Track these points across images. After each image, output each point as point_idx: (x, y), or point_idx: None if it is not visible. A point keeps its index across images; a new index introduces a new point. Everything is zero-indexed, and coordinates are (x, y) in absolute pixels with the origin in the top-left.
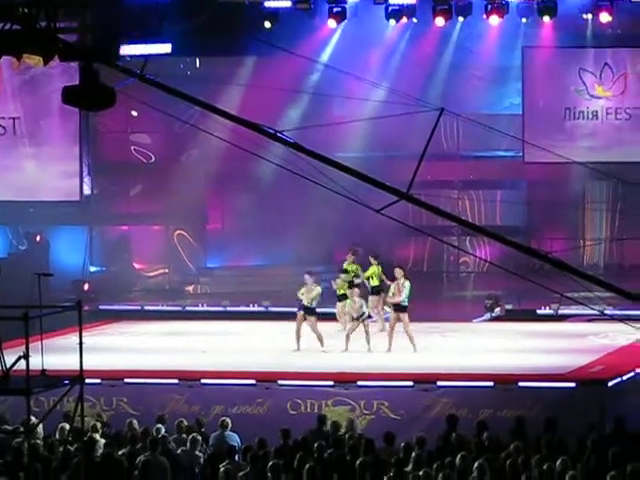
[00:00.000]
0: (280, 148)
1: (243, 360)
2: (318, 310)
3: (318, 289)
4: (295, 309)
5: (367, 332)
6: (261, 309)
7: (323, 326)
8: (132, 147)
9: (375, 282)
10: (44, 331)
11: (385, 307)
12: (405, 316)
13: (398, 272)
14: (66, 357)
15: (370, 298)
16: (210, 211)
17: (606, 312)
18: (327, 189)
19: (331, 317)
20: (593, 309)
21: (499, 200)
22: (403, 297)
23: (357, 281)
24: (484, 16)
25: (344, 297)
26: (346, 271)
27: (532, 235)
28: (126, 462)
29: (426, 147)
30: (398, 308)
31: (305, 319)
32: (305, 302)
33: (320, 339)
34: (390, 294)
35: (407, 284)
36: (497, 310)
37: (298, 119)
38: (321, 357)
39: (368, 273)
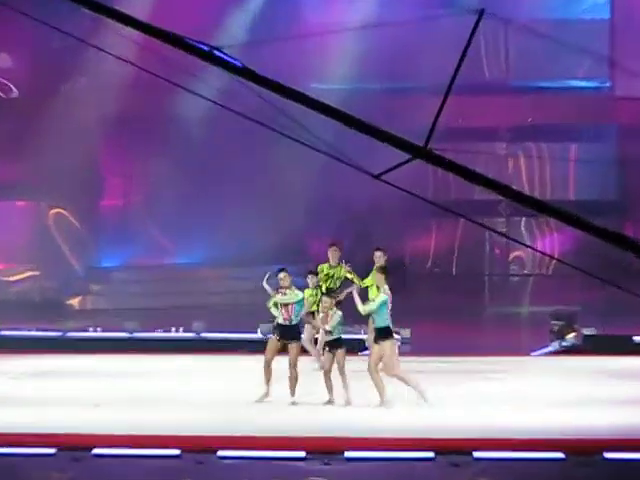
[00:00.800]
0: (219, 77)
1: (161, 418)
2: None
3: (338, 314)
4: (246, 334)
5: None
6: (189, 335)
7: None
8: None
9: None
10: None
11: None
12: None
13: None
14: None
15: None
16: (106, 179)
17: None
18: (296, 143)
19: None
20: None
21: (573, 158)
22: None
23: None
24: None
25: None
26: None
27: (627, 215)
28: None
29: (455, 73)
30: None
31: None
32: (325, 327)
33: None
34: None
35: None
36: (570, 337)
37: (247, 30)
38: (291, 412)
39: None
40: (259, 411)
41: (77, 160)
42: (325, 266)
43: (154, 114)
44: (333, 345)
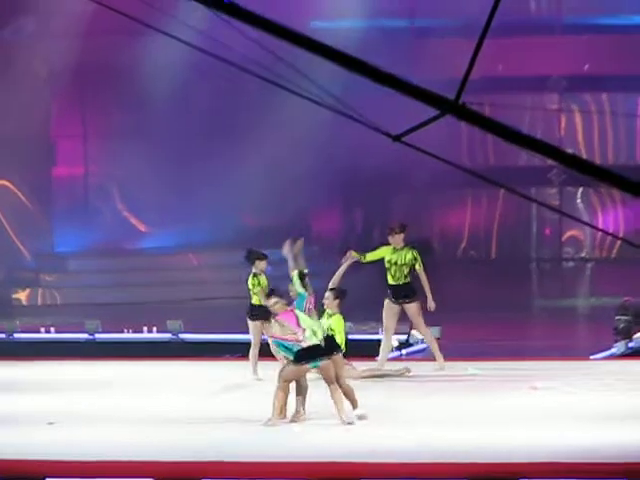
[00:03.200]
0: (202, 17)
1: (130, 438)
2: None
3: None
4: (234, 335)
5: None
6: (164, 337)
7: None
8: None
9: None
10: None
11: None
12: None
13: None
14: None
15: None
16: (58, 143)
17: None
18: (295, 98)
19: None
20: None
21: None
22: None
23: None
24: None
25: None
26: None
27: None
28: None
29: (494, 9)
30: None
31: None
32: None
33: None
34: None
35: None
36: (639, 336)
37: None
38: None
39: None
40: (247, 431)
41: (22, 121)
42: (386, 250)
43: (117, 63)
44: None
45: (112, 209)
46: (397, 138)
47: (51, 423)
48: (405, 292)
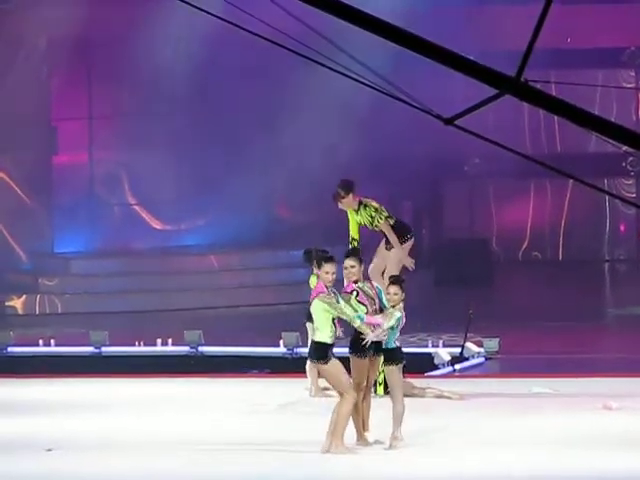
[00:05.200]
0: None
1: (137, 468)
2: None
3: (397, 313)
4: (263, 348)
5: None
6: (181, 350)
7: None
8: None
9: None
10: None
11: None
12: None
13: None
14: None
15: None
16: (62, 124)
17: None
18: (329, 76)
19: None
20: None
21: None
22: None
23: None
24: None
25: None
26: None
27: None
28: None
29: None
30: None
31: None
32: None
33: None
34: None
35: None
36: None
37: None
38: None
39: None
40: (284, 462)
41: (18, 102)
42: (351, 218)
43: (128, 36)
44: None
45: (121, 203)
46: (449, 121)
47: (50, 450)
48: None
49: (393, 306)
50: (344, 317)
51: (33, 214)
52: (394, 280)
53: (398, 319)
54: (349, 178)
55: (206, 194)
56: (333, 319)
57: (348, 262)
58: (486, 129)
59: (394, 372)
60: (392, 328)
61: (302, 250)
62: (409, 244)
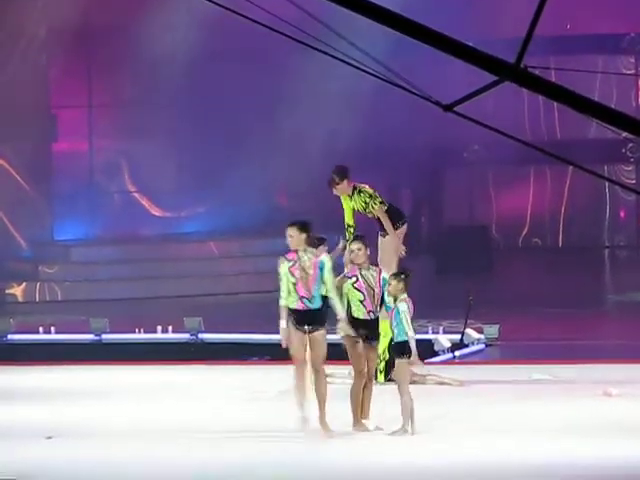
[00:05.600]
0: None
1: (138, 455)
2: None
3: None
4: (263, 335)
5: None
6: (181, 337)
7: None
8: None
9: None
10: None
11: None
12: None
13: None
14: None
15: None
16: (62, 111)
17: None
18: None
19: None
20: None
21: None
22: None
23: None
24: None
25: None
26: None
27: None
28: None
29: None
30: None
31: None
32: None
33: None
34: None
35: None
36: None
37: None
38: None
39: None
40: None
41: (17, 89)
42: (345, 204)
43: (128, 23)
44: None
45: (121, 190)
46: (449, 108)
47: (49, 438)
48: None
49: (395, 298)
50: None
51: (33, 202)
52: (395, 274)
53: (403, 312)
54: (344, 164)
55: (206, 182)
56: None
57: (354, 245)
58: (485, 115)
59: (403, 366)
60: (399, 322)
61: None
62: (402, 230)
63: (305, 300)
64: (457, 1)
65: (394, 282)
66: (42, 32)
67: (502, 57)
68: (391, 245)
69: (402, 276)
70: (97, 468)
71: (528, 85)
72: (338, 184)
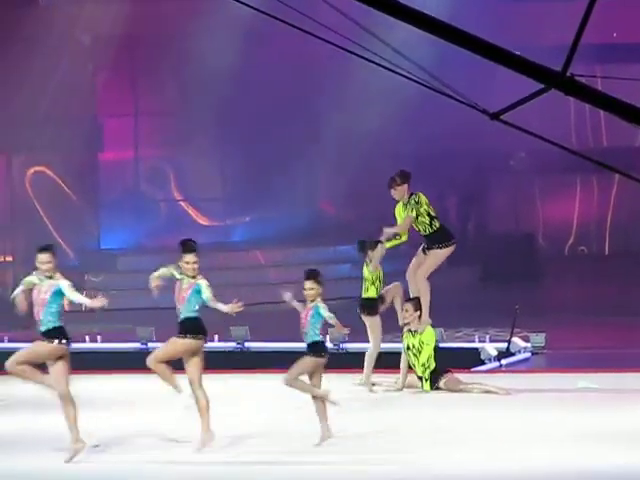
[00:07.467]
0: None
1: (190, 462)
2: None
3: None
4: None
5: None
6: (228, 346)
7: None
8: None
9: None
10: None
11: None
12: None
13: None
14: None
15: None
16: (105, 124)
17: None
18: (375, 72)
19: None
20: None
21: None
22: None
23: None
24: None
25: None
26: None
27: None
28: None
29: None
30: None
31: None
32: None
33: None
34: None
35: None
36: None
37: None
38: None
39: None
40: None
41: (63, 99)
42: (399, 210)
43: (173, 32)
44: None
45: (167, 199)
46: (495, 116)
47: (96, 446)
48: (432, 241)
49: (312, 301)
50: None
51: (80, 211)
52: (309, 275)
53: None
54: (407, 170)
55: (251, 190)
56: None
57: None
58: (531, 123)
59: (306, 362)
60: (315, 321)
61: (347, 246)
62: (450, 249)
63: None
64: (499, 9)
65: (314, 285)
66: (87, 41)
67: (548, 65)
68: (434, 260)
69: (319, 278)
70: (161, 475)
71: (574, 93)
72: (399, 185)
